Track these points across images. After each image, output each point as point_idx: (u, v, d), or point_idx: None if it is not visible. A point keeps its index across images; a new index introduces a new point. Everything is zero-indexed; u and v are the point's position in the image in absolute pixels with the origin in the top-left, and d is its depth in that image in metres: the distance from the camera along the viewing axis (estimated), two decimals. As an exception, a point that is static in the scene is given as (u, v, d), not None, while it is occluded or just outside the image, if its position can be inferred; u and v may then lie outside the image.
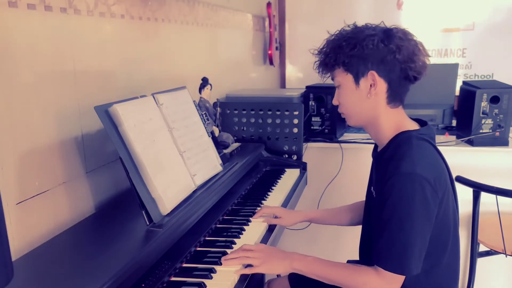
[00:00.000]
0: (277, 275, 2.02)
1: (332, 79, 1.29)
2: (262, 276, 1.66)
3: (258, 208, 1.52)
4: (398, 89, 1.23)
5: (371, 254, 1.19)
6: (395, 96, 1.23)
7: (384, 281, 1.15)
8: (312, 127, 2.41)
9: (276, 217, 1.51)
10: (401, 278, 1.15)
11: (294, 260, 1.23)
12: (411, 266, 1.13)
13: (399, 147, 1.20)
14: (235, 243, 1.29)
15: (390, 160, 1.18)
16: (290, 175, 1.96)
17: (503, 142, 2.24)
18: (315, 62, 1.30)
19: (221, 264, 1.16)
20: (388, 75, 1.20)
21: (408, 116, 1.29)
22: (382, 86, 1.21)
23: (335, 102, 1.31)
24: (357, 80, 1.22)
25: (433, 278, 1.23)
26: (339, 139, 2.41)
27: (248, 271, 1.16)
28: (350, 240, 2.09)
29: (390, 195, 1.14)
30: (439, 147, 1.26)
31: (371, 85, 1.21)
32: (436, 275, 1.24)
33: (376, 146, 1.36)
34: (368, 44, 1.18)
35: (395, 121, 1.24)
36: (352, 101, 1.26)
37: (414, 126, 1.26)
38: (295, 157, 2.13)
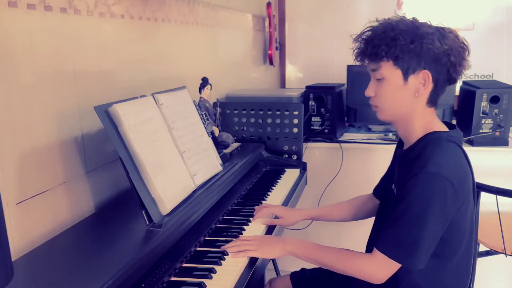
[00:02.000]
0: (277, 274, 2.03)
1: (373, 69, 1.22)
2: (262, 275, 1.66)
3: (257, 207, 1.51)
4: (441, 90, 1.22)
5: (374, 242, 1.20)
6: (436, 97, 1.22)
7: (379, 267, 1.17)
8: (312, 127, 2.41)
9: (276, 217, 1.52)
10: (396, 268, 1.16)
11: (287, 244, 1.27)
12: (417, 260, 1.14)
13: (427, 147, 1.18)
14: (235, 243, 1.28)
15: (416, 158, 1.17)
16: (290, 175, 1.96)
17: (503, 142, 2.24)
18: (356, 48, 1.23)
19: (221, 264, 1.17)
20: (437, 76, 1.18)
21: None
22: (430, 86, 1.19)
23: (370, 93, 1.25)
24: (406, 76, 1.18)
25: (439, 278, 1.23)
26: (339, 139, 2.41)
27: (244, 254, 1.21)
28: (351, 239, 2.09)
29: (411, 192, 1.14)
30: None
31: (421, 84, 1.19)
32: (442, 276, 1.23)
33: (400, 143, 1.34)
34: (427, 41, 1.15)
35: (426, 121, 1.23)
36: (393, 97, 1.22)
37: (443, 128, 1.25)
38: (295, 157, 2.13)
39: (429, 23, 1.21)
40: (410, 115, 1.23)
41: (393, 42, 1.16)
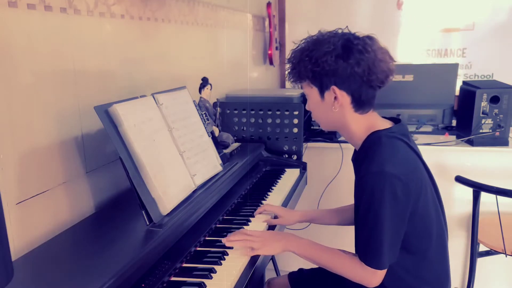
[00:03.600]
0: (277, 274, 2.03)
1: (301, 87, 1.32)
2: (262, 275, 1.66)
3: (260, 206, 1.53)
4: (363, 97, 1.24)
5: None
6: (362, 104, 1.25)
7: (367, 273, 1.21)
8: (312, 127, 2.41)
9: (276, 217, 1.52)
10: (381, 272, 1.20)
11: (288, 241, 1.30)
12: (384, 261, 1.19)
13: (370, 148, 1.23)
14: (235, 243, 1.28)
15: (363, 161, 1.22)
16: (290, 175, 1.96)
17: (503, 142, 2.24)
18: (286, 70, 1.32)
19: (221, 264, 1.17)
20: (349, 88, 1.22)
21: (383, 116, 1.32)
22: (345, 98, 1.23)
23: (307, 108, 1.34)
24: (321, 93, 1.25)
25: (422, 272, 1.27)
26: (339, 139, 2.41)
27: (251, 253, 1.22)
28: (350, 240, 2.09)
29: (363, 195, 1.18)
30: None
31: (335, 98, 1.23)
32: (425, 270, 1.27)
33: (355, 150, 1.38)
34: (327, 60, 1.19)
35: (365, 124, 1.27)
36: (318, 111, 1.30)
37: (386, 125, 1.27)
38: (295, 157, 2.13)
39: (334, 37, 1.21)
40: (344, 124, 1.28)
41: (302, 64, 1.24)
